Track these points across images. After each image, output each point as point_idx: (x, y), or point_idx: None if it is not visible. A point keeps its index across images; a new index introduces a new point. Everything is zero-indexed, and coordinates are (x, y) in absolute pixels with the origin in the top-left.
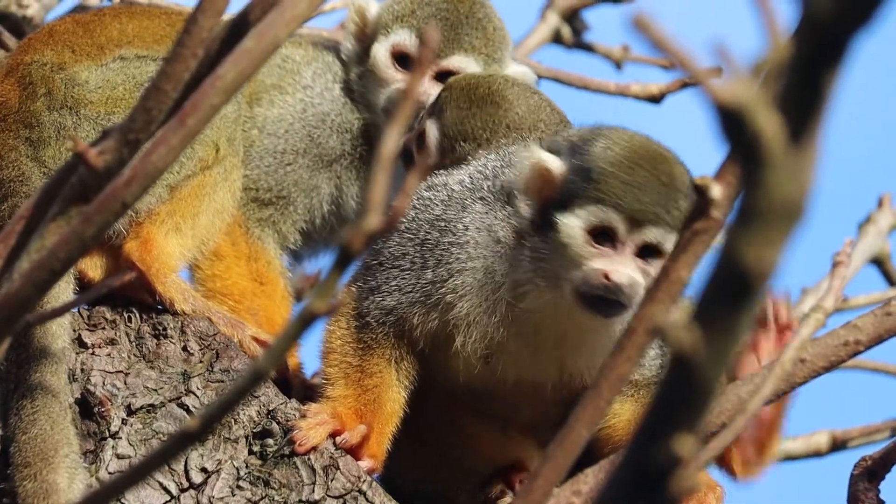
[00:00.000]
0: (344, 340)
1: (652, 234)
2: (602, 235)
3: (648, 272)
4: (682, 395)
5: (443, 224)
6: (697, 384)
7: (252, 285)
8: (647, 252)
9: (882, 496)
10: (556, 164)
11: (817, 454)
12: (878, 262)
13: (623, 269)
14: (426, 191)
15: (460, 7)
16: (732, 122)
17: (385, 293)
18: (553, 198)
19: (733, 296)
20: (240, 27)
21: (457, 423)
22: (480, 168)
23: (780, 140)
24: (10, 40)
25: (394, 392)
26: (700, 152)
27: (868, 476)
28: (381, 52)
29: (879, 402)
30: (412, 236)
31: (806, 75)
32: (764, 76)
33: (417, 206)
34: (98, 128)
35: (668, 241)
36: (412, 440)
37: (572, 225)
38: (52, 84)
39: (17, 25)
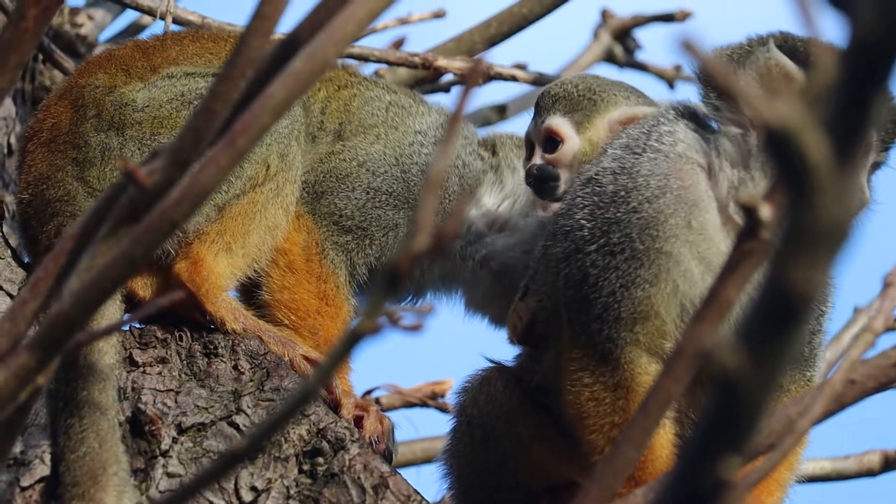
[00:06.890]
0: (598, 400)
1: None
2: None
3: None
4: (729, 417)
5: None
6: (744, 406)
7: (318, 304)
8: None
9: None
10: None
11: (870, 474)
12: None
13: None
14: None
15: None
16: (779, 144)
17: (602, 284)
18: None
19: (779, 317)
20: (289, 47)
21: (522, 432)
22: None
23: (826, 162)
24: (64, 59)
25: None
26: None
27: None
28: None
29: None
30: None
31: (852, 97)
32: (811, 98)
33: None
34: (143, 148)
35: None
36: (475, 441)
37: None
38: (103, 106)
39: (71, 44)
